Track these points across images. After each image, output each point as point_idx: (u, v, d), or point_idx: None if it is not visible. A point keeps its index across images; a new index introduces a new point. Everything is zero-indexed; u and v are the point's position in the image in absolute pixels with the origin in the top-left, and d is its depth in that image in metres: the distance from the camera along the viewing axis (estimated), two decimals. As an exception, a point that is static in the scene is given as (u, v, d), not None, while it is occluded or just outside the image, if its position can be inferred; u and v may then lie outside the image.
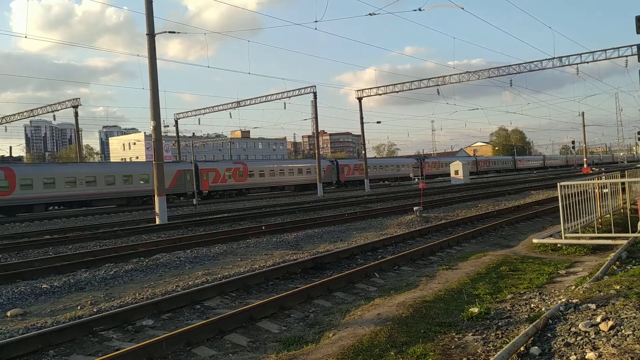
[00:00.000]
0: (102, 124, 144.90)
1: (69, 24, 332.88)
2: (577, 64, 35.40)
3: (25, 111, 48.32)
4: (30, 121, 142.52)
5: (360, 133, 50.39)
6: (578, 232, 10.77)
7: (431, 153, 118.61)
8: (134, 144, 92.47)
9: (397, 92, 44.16)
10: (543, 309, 5.87)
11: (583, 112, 72.16)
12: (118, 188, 37.42)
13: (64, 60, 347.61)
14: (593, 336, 4.62)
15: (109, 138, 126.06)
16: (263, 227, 17.50)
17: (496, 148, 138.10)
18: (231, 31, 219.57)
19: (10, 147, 51.78)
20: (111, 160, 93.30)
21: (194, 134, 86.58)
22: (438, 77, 41.48)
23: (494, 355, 4.42)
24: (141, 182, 38.49)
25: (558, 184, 10.90)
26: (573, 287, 6.82)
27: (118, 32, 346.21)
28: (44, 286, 9.55)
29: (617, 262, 8.20)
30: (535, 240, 11.03)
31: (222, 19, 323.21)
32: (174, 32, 24.37)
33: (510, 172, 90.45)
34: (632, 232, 10.29)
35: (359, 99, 46.98)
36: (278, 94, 44.97)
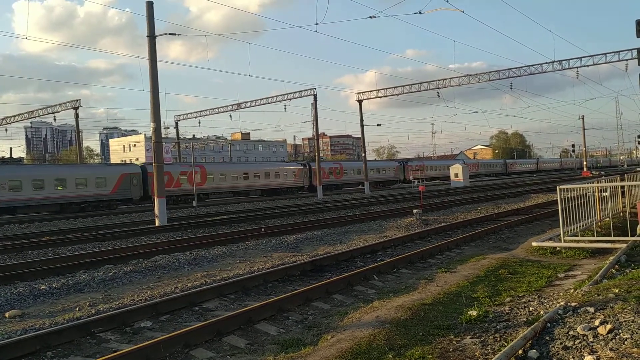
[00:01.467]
0: (102, 125, 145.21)
1: (71, 25, 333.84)
2: (577, 67, 35.45)
3: (26, 112, 48.40)
4: (31, 122, 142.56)
5: (360, 135, 50.43)
6: (577, 236, 10.77)
7: (431, 156, 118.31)
8: (134, 145, 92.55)
9: (398, 94, 44.24)
10: (542, 312, 5.87)
11: (583, 116, 72.21)
12: (48, 193, 33.07)
13: (65, 62, 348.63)
14: (591, 339, 4.61)
15: (109, 140, 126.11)
16: (262, 229, 17.50)
17: (496, 151, 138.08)
18: (232, 33, 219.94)
19: (11, 149, 51.86)
20: (111, 161, 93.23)
21: (194, 135, 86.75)
22: (438, 80, 41.54)
23: (492, 358, 4.41)
24: (79, 186, 34.70)
25: (558, 187, 10.90)
26: (572, 291, 6.81)
27: (120, 34, 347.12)
28: (42, 287, 9.54)
29: (616, 266, 8.20)
30: (534, 244, 11.03)
31: (224, 21, 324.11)
32: (174, 34, 24.42)
33: (501, 177, 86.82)
34: (632, 235, 10.29)
35: (359, 102, 47.03)
36: (278, 96, 45.05)
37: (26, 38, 75.77)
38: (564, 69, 36.29)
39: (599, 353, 4.30)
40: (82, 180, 35.15)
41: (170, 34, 23.94)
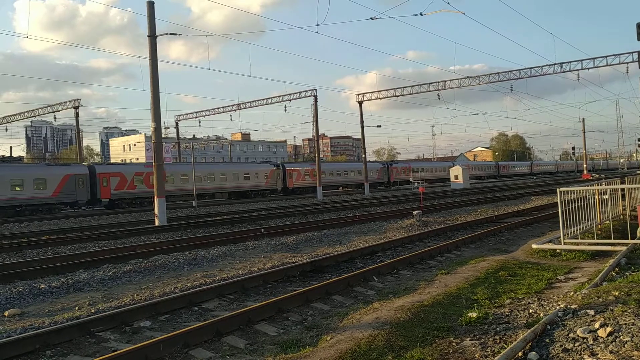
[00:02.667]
0: (103, 125, 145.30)
1: (72, 25, 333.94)
2: (577, 70, 35.48)
3: (26, 111, 48.43)
4: (31, 121, 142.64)
5: (360, 137, 50.44)
6: (577, 238, 10.77)
7: (431, 157, 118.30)
8: (134, 145, 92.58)
9: (398, 96, 44.28)
10: (541, 315, 5.86)
11: (583, 119, 72.21)
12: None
13: (66, 61, 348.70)
14: (591, 342, 4.61)
15: (110, 139, 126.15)
16: (262, 230, 17.49)
17: (496, 153, 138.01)
18: (233, 34, 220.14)
19: (11, 147, 51.80)
20: (111, 161, 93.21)
21: (194, 135, 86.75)
22: (439, 82, 41.58)
23: (491, 360, 4.41)
24: (14, 188, 31.77)
25: (558, 189, 10.90)
26: (572, 293, 6.80)
27: (121, 33, 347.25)
28: (42, 286, 9.54)
29: (616, 269, 8.20)
30: (534, 246, 11.02)
31: (226, 21, 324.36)
32: (175, 34, 24.43)
33: (493, 179, 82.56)
34: (632, 238, 10.29)
35: (360, 103, 47.05)
36: (279, 96, 45.08)
37: (27, 37, 75.92)
38: (564, 72, 36.35)
39: (599, 356, 4.29)
40: (18, 181, 31.92)
41: (171, 34, 23.96)
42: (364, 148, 51.05)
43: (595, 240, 10.72)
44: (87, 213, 32.99)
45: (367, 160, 54.30)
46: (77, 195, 35.00)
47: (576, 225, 10.87)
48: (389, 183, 64.27)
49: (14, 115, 49.06)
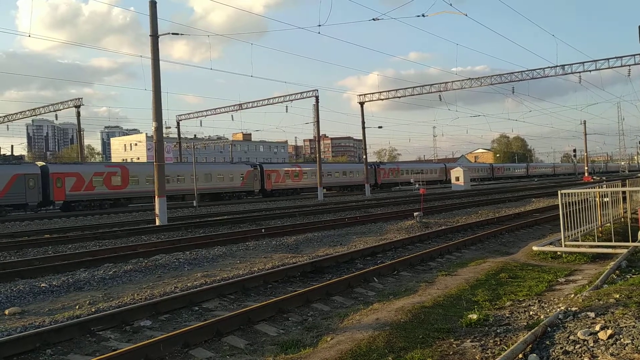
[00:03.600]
0: (104, 124, 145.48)
1: (75, 24, 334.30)
2: (579, 72, 35.49)
3: (28, 110, 48.47)
4: (33, 120, 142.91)
5: (361, 138, 50.45)
6: (578, 241, 10.76)
7: (432, 159, 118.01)
8: (136, 144, 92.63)
9: (399, 97, 44.29)
10: (542, 317, 5.86)
11: (585, 121, 72.29)
12: None
13: (68, 60, 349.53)
14: (592, 344, 4.60)
15: (111, 138, 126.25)
16: (263, 230, 17.50)
17: (497, 155, 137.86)
18: (235, 34, 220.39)
19: (12, 146, 51.90)
20: (112, 161, 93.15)
21: (195, 135, 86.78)
22: (440, 83, 41.60)
23: (492, 362, 4.40)
24: None
25: (559, 191, 10.90)
26: (572, 295, 6.80)
27: (124, 33, 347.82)
28: (42, 285, 9.54)
29: (617, 271, 8.19)
30: (535, 248, 11.01)
31: (229, 22, 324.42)
32: (177, 34, 24.44)
33: (486, 182, 79.46)
34: (632, 241, 10.28)
35: (361, 104, 47.07)
36: (280, 97, 45.10)
37: (29, 36, 76.07)
38: (566, 74, 36.35)
39: (599, 358, 4.29)
40: None
41: (173, 33, 23.97)
42: (365, 149, 51.06)
43: (596, 243, 10.71)
44: (88, 212, 32.98)
45: (356, 162, 53.85)
46: (26, 197, 32.61)
47: (577, 228, 10.86)
48: (377, 185, 61.95)
49: (16, 114, 49.12)
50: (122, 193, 38.28)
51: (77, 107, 44.54)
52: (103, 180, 36.86)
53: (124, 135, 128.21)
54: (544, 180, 79.64)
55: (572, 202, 10.88)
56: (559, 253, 10.49)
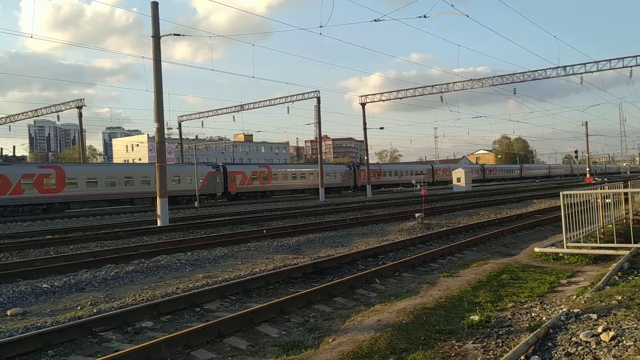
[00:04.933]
0: (106, 125, 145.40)
1: (78, 24, 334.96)
2: (581, 73, 35.44)
3: (30, 111, 48.58)
4: (34, 121, 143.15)
5: (363, 138, 50.46)
6: (580, 242, 10.74)
7: (434, 160, 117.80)
8: (137, 145, 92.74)
9: (401, 98, 44.28)
10: (544, 318, 5.85)
11: (586, 122, 72.33)
12: None
13: (71, 61, 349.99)
14: (594, 346, 4.59)
15: (112, 139, 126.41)
16: (264, 231, 17.50)
17: (499, 156, 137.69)
18: (237, 35, 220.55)
19: (14, 147, 52.01)
20: (114, 162, 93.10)
21: (197, 136, 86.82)
22: (442, 84, 41.58)
23: (494, 363, 4.40)
24: None
25: (561, 193, 10.88)
26: (574, 297, 6.79)
27: (126, 33, 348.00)
28: (44, 286, 9.56)
29: (619, 273, 8.18)
30: (537, 249, 11.00)
31: (231, 22, 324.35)
32: (179, 35, 24.51)
33: (477, 183, 72.22)
34: (635, 242, 10.26)
35: (363, 105, 47.08)
36: (282, 98, 45.15)
37: (31, 36, 76.26)
38: (567, 75, 36.33)
39: (601, 360, 4.28)
40: None
41: (175, 34, 24.03)
42: (367, 150, 51.06)
43: (598, 244, 10.70)
44: (90, 213, 32.99)
45: (339, 162, 52.91)
46: None
47: (579, 229, 10.84)
48: (356, 187, 58.34)
49: (18, 114, 49.24)
50: (55, 197, 33.84)
51: (79, 107, 44.63)
52: (34, 182, 32.56)
53: (125, 136, 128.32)
54: (542, 182, 78.22)
55: (574, 203, 10.86)
56: (560, 254, 10.47)
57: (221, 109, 49.97)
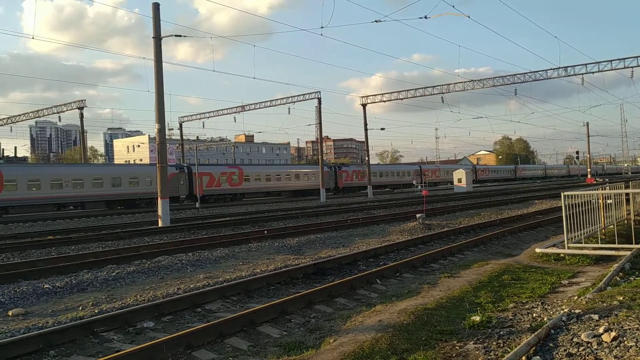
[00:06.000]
0: (107, 125, 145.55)
1: (80, 25, 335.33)
2: (582, 74, 35.42)
3: (31, 112, 48.65)
4: (36, 122, 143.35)
5: (364, 139, 50.46)
6: (581, 243, 10.73)
7: (434, 161, 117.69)
8: (138, 146, 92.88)
9: (402, 99, 44.30)
10: (545, 319, 5.85)
11: (587, 123, 72.32)
12: None
13: (73, 62, 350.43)
14: (595, 347, 4.59)
15: (113, 140, 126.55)
16: (265, 232, 17.51)
17: (500, 157, 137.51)
18: (238, 35, 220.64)
19: (15, 148, 52.08)
20: (115, 163, 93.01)
21: (197, 137, 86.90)
22: (443, 85, 41.58)
23: (495, 364, 4.40)
24: None
25: (562, 193, 10.88)
26: (576, 298, 6.79)
27: (128, 34, 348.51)
28: (46, 286, 9.57)
29: (621, 273, 8.17)
30: (538, 250, 10.99)
31: (233, 23, 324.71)
32: (180, 36, 24.55)
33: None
34: (636, 243, 10.25)
35: (364, 106, 47.11)
36: (283, 98, 45.18)
37: (33, 38, 76.23)
38: (569, 75, 36.30)
39: (603, 360, 4.28)
40: None
41: (176, 35, 24.06)
42: (367, 150, 51.10)
43: (599, 245, 10.69)
44: (91, 214, 33.02)
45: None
46: None
47: (580, 230, 10.84)
48: (337, 189, 55.40)
49: (19, 115, 49.32)
50: None
51: (80, 108, 44.70)
52: None
53: (126, 137, 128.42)
54: (543, 183, 77.10)
55: (575, 204, 10.86)
56: (562, 255, 10.46)
57: (222, 109, 50.05)
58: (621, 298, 6.08)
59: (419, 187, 57.00)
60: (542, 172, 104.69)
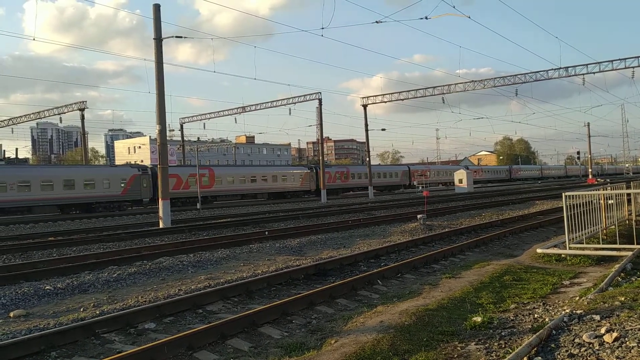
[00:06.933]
0: (108, 127, 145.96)
1: (81, 26, 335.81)
2: (583, 74, 35.42)
3: (32, 113, 48.73)
4: (37, 123, 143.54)
5: (364, 140, 50.46)
6: (582, 243, 10.72)
7: (435, 161, 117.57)
8: (139, 147, 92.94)
9: (403, 99, 44.32)
10: (547, 320, 5.84)
11: (589, 123, 72.28)
12: None
13: (74, 63, 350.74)
14: (597, 347, 4.58)
15: (115, 141, 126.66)
16: (266, 233, 17.51)
17: (500, 157, 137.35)
18: (239, 36, 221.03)
19: (17, 149, 52.11)
20: (116, 164, 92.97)
21: (198, 138, 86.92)
22: (444, 86, 41.58)
23: (496, 365, 4.39)
24: None
25: (563, 194, 10.87)
26: (577, 298, 6.78)
27: (130, 36, 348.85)
28: (47, 287, 9.57)
29: (622, 274, 8.16)
30: (539, 250, 10.98)
31: (235, 24, 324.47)
32: (180, 37, 24.59)
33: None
34: (637, 243, 10.24)
35: (364, 106, 47.13)
36: (284, 99, 45.25)
37: (34, 39, 76.29)
38: (569, 76, 36.31)
39: (604, 361, 4.27)
40: None
41: (176, 36, 24.11)
42: (368, 151, 51.09)
43: (601, 245, 10.68)
44: (92, 215, 33.04)
45: (298, 164, 49.93)
46: None
47: (581, 230, 10.82)
48: (318, 191, 50.44)
49: (20, 117, 49.40)
50: None
51: (82, 110, 44.76)
52: None
53: (127, 138, 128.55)
54: (541, 183, 76.29)
55: (576, 204, 10.85)
56: (563, 255, 10.45)
57: (223, 110, 50.10)
58: (623, 299, 6.07)
59: (420, 187, 56.95)
60: (539, 173, 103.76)
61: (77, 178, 34.92)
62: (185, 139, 60.16)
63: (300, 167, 55.74)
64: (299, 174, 51.94)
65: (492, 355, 4.87)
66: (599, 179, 67.59)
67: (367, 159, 51.60)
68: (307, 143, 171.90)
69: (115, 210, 35.81)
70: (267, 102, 46.67)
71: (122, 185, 36.98)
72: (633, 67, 33.52)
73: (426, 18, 24.95)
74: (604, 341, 4.68)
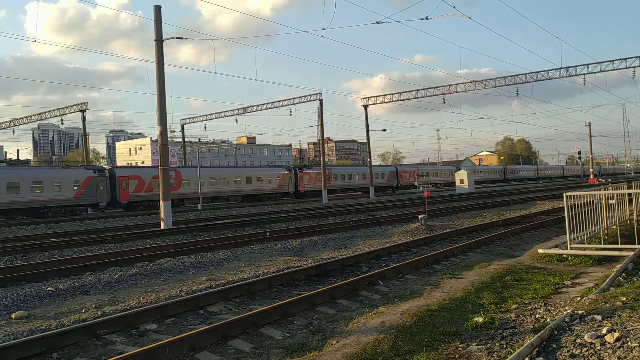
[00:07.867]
0: (109, 128, 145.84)
1: (83, 28, 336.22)
2: (584, 74, 35.36)
3: (34, 114, 48.80)
4: (38, 124, 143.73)
5: (365, 140, 50.44)
6: (584, 243, 10.71)
7: (436, 162, 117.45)
8: (140, 148, 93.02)
9: (403, 100, 44.28)
10: (548, 320, 5.83)
11: (590, 123, 72.21)
12: None
13: (76, 64, 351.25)
14: (599, 348, 4.58)
15: (116, 142, 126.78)
16: (267, 234, 17.51)
17: (501, 157, 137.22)
18: (240, 37, 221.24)
19: (18, 150, 52.19)
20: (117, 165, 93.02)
21: (199, 139, 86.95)
22: (444, 86, 41.56)
23: (498, 365, 4.39)
24: None
25: (564, 194, 10.86)
26: (579, 298, 6.77)
27: (131, 37, 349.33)
28: (49, 289, 9.59)
29: (624, 274, 8.15)
30: (540, 251, 10.97)
31: (236, 25, 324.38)
32: (181, 38, 24.59)
33: (450, 187, 64.89)
34: (639, 243, 10.22)
35: (365, 107, 47.12)
36: (284, 100, 45.25)
37: (35, 41, 76.40)
38: (570, 76, 36.25)
39: (606, 361, 4.27)
40: None
41: (177, 37, 24.12)
42: (369, 152, 51.04)
43: (602, 246, 10.66)
44: (94, 216, 33.07)
45: (281, 165, 48.07)
46: None
47: (583, 230, 10.81)
48: (298, 193, 50.26)
49: (22, 118, 49.47)
50: None
51: (83, 111, 44.77)
52: None
53: (129, 139, 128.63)
54: (542, 184, 76.15)
55: (578, 204, 10.84)
56: (564, 256, 10.44)
57: (224, 111, 50.09)
58: (624, 299, 6.06)
59: (421, 188, 56.89)
60: (534, 173, 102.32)
61: (22, 181, 32.12)
62: (186, 140, 60.21)
63: (278, 168, 52.79)
64: (276, 175, 48.97)
65: (494, 355, 4.87)
66: (600, 179, 67.45)
67: (368, 159, 51.57)
68: (308, 144, 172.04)
69: (67, 215, 33.17)
70: (268, 103, 46.69)
71: (75, 188, 34.19)
72: (634, 67, 33.46)
73: (427, 19, 24.94)
74: (605, 341, 4.67)
